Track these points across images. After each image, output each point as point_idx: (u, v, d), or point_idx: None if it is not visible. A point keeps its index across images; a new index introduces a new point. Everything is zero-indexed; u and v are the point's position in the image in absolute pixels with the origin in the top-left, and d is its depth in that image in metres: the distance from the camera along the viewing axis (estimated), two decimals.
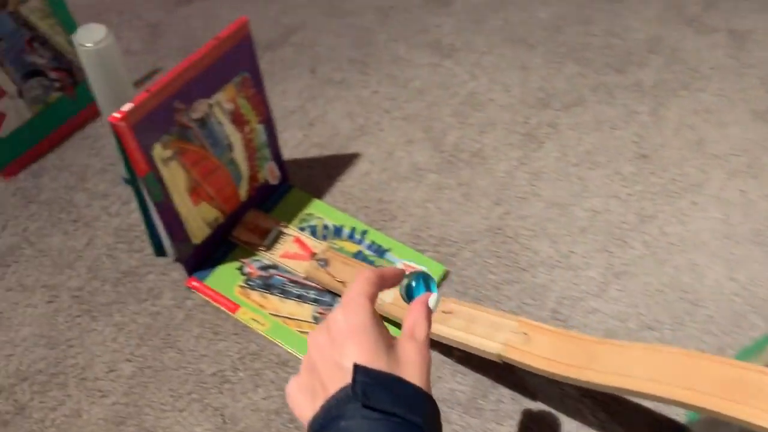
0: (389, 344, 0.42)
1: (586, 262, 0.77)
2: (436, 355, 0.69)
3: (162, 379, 0.68)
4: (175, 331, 0.72)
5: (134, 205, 0.82)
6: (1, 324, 0.73)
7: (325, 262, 0.76)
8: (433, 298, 0.49)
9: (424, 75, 0.98)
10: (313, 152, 0.89)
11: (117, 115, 0.60)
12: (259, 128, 0.77)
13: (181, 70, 0.63)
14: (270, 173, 0.82)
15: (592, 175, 0.85)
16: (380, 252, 0.78)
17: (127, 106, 0.60)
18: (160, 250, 0.78)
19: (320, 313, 0.73)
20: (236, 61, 0.69)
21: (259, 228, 0.79)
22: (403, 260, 0.77)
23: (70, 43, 0.85)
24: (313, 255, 0.76)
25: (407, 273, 0.52)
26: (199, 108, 0.68)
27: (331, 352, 0.41)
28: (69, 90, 0.87)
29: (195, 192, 0.72)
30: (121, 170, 0.83)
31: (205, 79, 0.66)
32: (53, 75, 0.85)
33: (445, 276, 0.76)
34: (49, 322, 0.73)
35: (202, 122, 0.69)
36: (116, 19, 1.04)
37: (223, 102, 0.70)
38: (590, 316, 0.72)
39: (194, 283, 0.75)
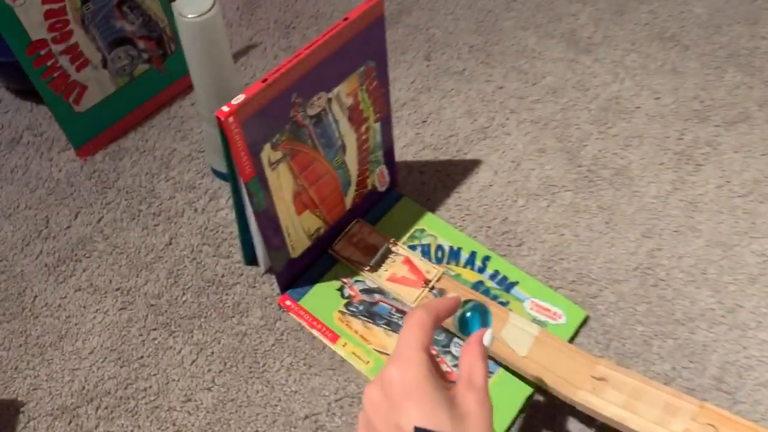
0: (449, 399, 0.40)
1: (757, 320, 0.63)
2: (573, 424, 0.57)
3: (246, 418, 0.58)
4: (264, 359, 0.62)
5: (223, 201, 0.72)
6: (68, 330, 0.64)
7: (440, 293, 0.64)
8: (488, 335, 0.46)
9: (557, 71, 0.84)
10: (426, 155, 0.77)
11: (225, 108, 0.48)
12: (376, 127, 0.65)
13: (303, 56, 0.52)
14: (379, 178, 0.70)
15: (763, 209, 0.70)
16: (506, 285, 0.66)
17: (238, 98, 0.49)
18: (250, 259, 0.68)
19: (433, 356, 0.61)
20: (364, 48, 0.57)
21: (365, 243, 0.68)
22: (534, 298, 0.65)
23: (165, 9, 0.74)
24: (425, 282, 0.64)
25: (462, 300, 0.48)
26: (317, 102, 0.56)
27: (389, 413, 0.39)
28: (158, 62, 0.77)
29: (300, 199, 0.61)
30: (211, 159, 0.72)
31: (328, 67, 0.55)
32: (141, 45, 0.75)
33: (584, 322, 0.63)
34: (121, 334, 0.63)
35: (318, 119, 0.57)
36: None
37: (342, 96, 0.58)
38: (764, 391, 0.58)
39: (288, 303, 0.65)
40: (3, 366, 0.62)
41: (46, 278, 0.67)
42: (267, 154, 0.54)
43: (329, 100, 0.57)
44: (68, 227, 0.70)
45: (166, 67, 0.78)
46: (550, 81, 0.83)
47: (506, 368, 0.60)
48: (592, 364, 0.57)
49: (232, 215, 0.72)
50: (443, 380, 0.41)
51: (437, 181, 0.74)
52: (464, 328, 0.50)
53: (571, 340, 0.63)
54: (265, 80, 0.50)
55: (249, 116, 0.50)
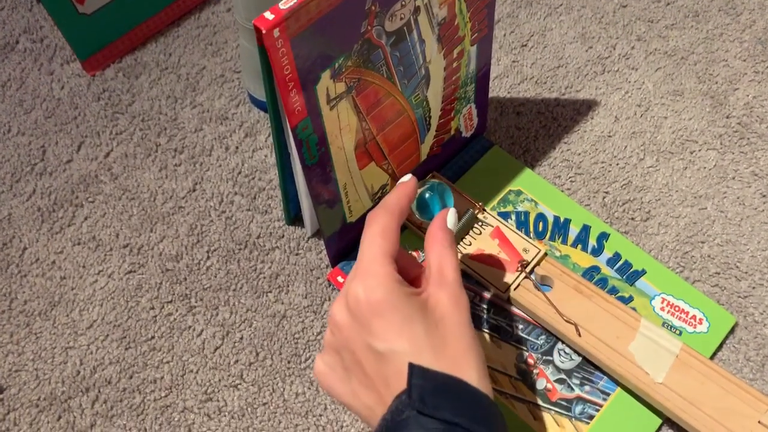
0: (421, 306, 0.36)
1: None
2: None
3: (281, 428, 0.45)
4: (307, 351, 0.48)
5: (263, 137, 0.57)
6: (63, 296, 0.50)
7: (542, 281, 0.48)
8: (451, 217, 0.41)
9: None
10: (525, 90, 0.59)
11: (269, 15, 0.32)
12: (472, 51, 0.48)
13: None
14: (466, 121, 0.53)
15: None
16: (629, 274, 0.49)
17: (287, 2, 0.32)
18: (294, 217, 0.52)
19: (530, 365, 0.46)
20: None
21: None
22: (665, 294, 0.49)
23: None
24: (521, 264, 0.49)
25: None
26: (400, 12, 0.39)
27: (359, 333, 0.36)
28: None
29: (364, 149, 0.45)
30: (249, 83, 0.56)
31: None
32: None
33: (731, 331, 0.47)
34: (127, 305, 0.50)
35: (398, 38, 0.40)
36: None
37: (434, 4, 0.41)
38: None
39: (339, 279, 0.50)
40: None
41: (38, 226, 0.53)
42: (325, 85, 0.38)
43: (416, 10, 0.40)
44: (69, 161, 0.56)
45: None
46: (689, 0, 0.64)
47: (628, 390, 0.45)
48: (759, 403, 0.41)
49: (272, 156, 0.56)
50: (414, 284, 0.39)
51: (538, 127, 0.57)
52: (424, 211, 0.46)
53: (713, 355, 0.47)
54: None
55: (303, 29, 0.34)
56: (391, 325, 0.35)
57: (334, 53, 0.37)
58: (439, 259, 0.38)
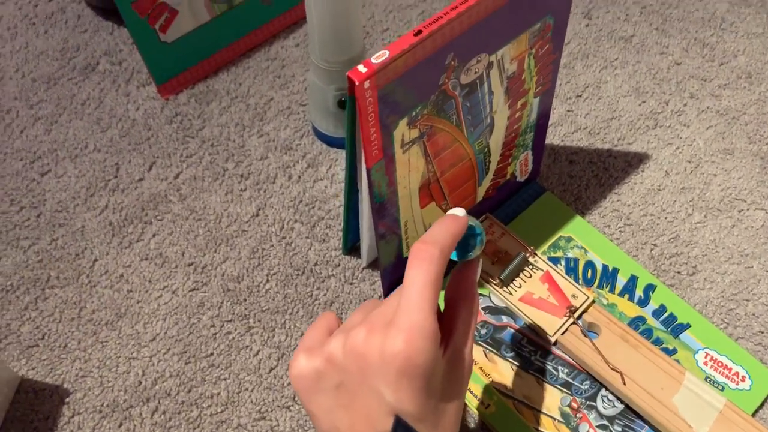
0: (443, 375, 0.35)
1: None
2: None
3: None
4: None
5: (324, 169, 0.59)
6: (129, 308, 0.53)
7: (589, 328, 0.50)
8: (478, 268, 0.39)
9: (753, 50, 0.66)
10: (578, 140, 0.61)
11: (362, 69, 0.35)
12: (534, 103, 0.50)
13: (472, 2, 0.37)
14: (521, 166, 0.55)
15: None
16: (674, 327, 0.51)
17: (379, 56, 0.35)
18: (350, 248, 0.55)
19: (573, 408, 0.48)
20: None
21: (494, 247, 0.54)
22: (708, 349, 0.50)
23: None
24: (570, 309, 0.50)
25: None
26: (475, 67, 0.41)
27: (376, 375, 0.33)
28: None
29: (427, 189, 0.47)
30: (314, 116, 0.59)
31: (498, 21, 0.40)
32: None
33: None
34: (189, 321, 0.52)
35: (470, 89, 0.43)
36: None
37: (506, 60, 0.43)
38: None
39: None
40: (51, 342, 0.52)
41: (109, 239, 0.56)
42: (401, 131, 0.40)
43: (489, 65, 0.42)
44: (140, 180, 0.59)
45: None
46: (742, 62, 0.66)
47: None
48: None
49: (332, 187, 0.59)
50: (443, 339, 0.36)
51: (590, 176, 0.59)
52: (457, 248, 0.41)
53: (755, 413, 0.48)
54: (418, 32, 0.36)
55: (389, 81, 0.36)
56: (412, 389, 0.33)
57: (413, 103, 0.39)
58: (466, 322, 0.37)
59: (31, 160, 0.60)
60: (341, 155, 0.61)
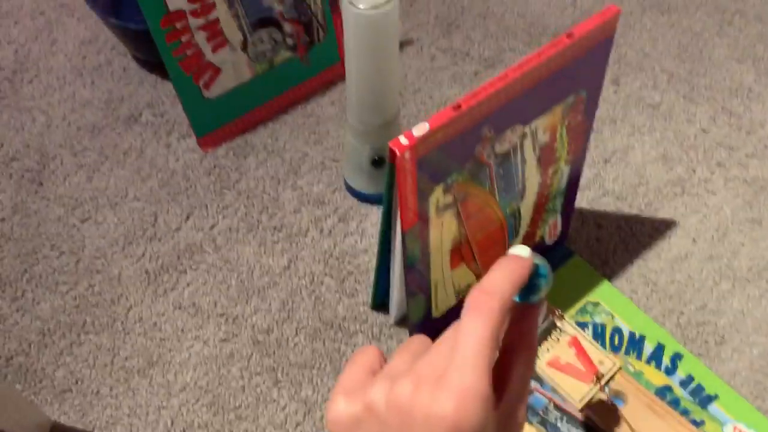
0: None
1: None
2: None
3: None
4: None
5: (354, 224, 0.60)
6: (161, 356, 0.54)
7: (616, 395, 0.50)
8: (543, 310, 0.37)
9: None
10: (606, 204, 0.62)
11: (403, 140, 0.36)
12: (564, 170, 0.51)
13: (509, 80, 0.38)
14: (550, 230, 0.56)
15: None
16: (702, 398, 0.51)
17: (420, 128, 0.36)
18: (378, 304, 0.56)
19: None
20: (580, 73, 0.43)
21: None
22: (738, 422, 0.49)
23: None
24: (597, 376, 0.50)
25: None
26: (510, 138, 0.43)
27: (409, 429, 0.30)
28: (302, 51, 0.66)
29: (458, 251, 0.48)
30: (347, 173, 0.61)
31: (533, 96, 0.41)
32: (288, 28, 0.64)
33: None
34: (219, 372, 0.53)
35: (504, 158, 0.44)
36: None
37: (540, 131, 0.45)
38: None
39: None
40: (84, 386, 0.53)
41: (144, 287, 0.58)
42: (437, 197, 0.41)
43: (523, 135, 0.44)
44: (177, 229, 0.61)
45: (310, 57, 0.67)
46: None
47: None
48: None
49: (362, 242, 0.60)
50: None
51: (618, 241, 0.59)
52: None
53: None
54: (458, 107, 0.37)
55: (428, 152, 0.38)
56: None
57: (449, 171, 0.41)
58: (523, 378, 0.34)
59: (72, 206, 0.62)
60: (371, 211, 0.62)
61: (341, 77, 0.71)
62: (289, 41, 0.65)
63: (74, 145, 0.66)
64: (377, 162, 0.58)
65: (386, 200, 0.42)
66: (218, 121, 0.65)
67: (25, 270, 0.58)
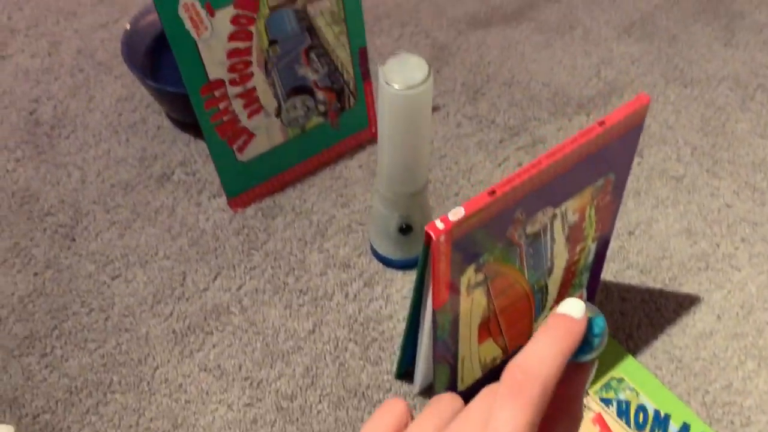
0: None
1: None
2: None
3: None
4: None
5: (379, 289, 0.61)
6: (185, 419, 0.54)
7: None
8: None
9: None
10: (630, 277, 0.62)
11: (439, 225, 0.37)
12: (591, 247, 0.52)
13: (543, 166, 0.40)
14: None
15: None
16: None
17: (456, 213, 0.37)
18: (403, 373, 0.56)
19: None
20: (611, 157, 0.45)
21: None
22: None
23: (353, 60, 0.65)
24: None
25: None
26: (541, 219, 0.44)
27: None
28: (333, 116, 0.68)
29: (486, 326, 0.48)
30: (373, 238, 0.62)
31: (564, 180, 0.42)
32: (321, 96, 0.66)
33: None
34: None
35: (534, 238, 0.45)
36: (398, 30, 0.84)
37: (569, 212, 0.46)
38: None
39: None
40: None
41: (171, 347, 0.58)
42: (468, 276, 0.42)
43: (554, 216, 0.45)
44: (205, 289, 0.62)
45: (340, 122, 0.69)
46: None
47: None
48: None
49: (387, 308, 0.60)
50: None
51: (642, 315, 0.60)
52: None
53: None
54: (492, 193, 0.38)
55: (462, 235, 0.39)
56: None
57: (481, 252, 0.41)
58: None
59: (104, 263, 0.63)
60: (397, 276, 0.63)
61: (369, 141, 0.73)
62: (321, 108, 0.67)
63: (107, 202, 0.68)
64: (404, 229, 0.59)
65: (418, 277, 0.43)
66: (249, 183, 0.67)
67: (55, 326, 0.59)
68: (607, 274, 0.62)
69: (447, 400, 0.31)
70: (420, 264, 0.41)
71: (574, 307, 0.29)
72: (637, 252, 0.64)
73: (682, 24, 0.84)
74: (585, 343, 0.30)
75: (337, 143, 0.70)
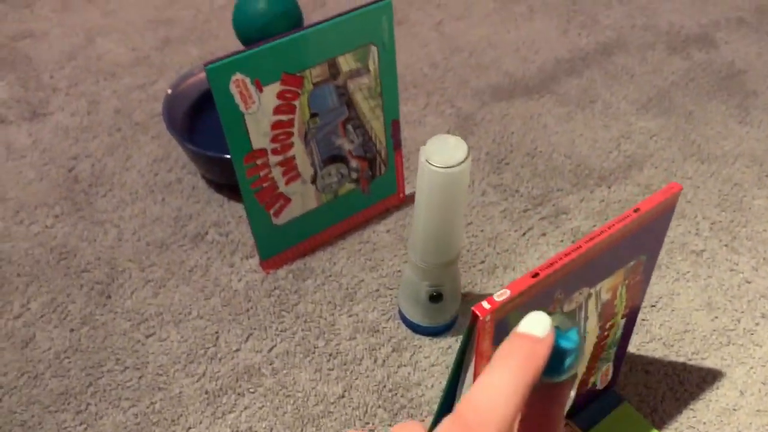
0: None
1: None
2: None
3: None
4: None
5: (407, 355, 0.62)
6: None
7: None
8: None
9: None
10: (653, 350, 0.64)
11: (486, 305, 0.39)
12: (620, 323, 0.53)
13: (583, 250, 0.42)
14: (602, 376, 0.58)
15: None
16: None
17: (501, 295, 0.39)
18: None
19: None
20: (644, 240, 0.47)
21: None
22: None
23: (387, 131, 0.68)
24: None
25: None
26: (577, 298, 0.46)
27: None
28: (364, 183, 0.70)
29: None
30: (402, 303, 0.63)
31: (600, 262, 0.44)
32: (354, 164, 0.68)
33: None
34: None
35: (570, 317, 0.47)
36: (424, 99, 0.88)
37: (603, 291, 0.48)
38: None
39: None
40: None
41: (203, 408, 0.59)
42: None
43: (589, 296, 0.47)
44: (237, 350, 0.63)
45: (371, 188, 0.71)
46: None
47: None
48: None
49: (415, 375, 0.62)
50: None
51: (666, 389, 0.61)
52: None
53: None
54: (536, 275, 0.40)
55: (505, 314, 0.40)
56: None
57: None
58: None
59: (138, 321, 0.65)
60: (425, 342, 0.64)
61: (397, 206, 0.75)
62: (354, 175, 0.69)
63: (143, 260, 0.70)
64: (434, 298, 0.61)
65: (459, 353, 0.44)
66: (282, 246, 0.69)
67: (90, 383, 0.60)
68: (631, 346, 0.64)
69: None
70: (463, 341, 0.43)
71: (536, 324, 0.25)
72: (659, 325, 0.65)
73: (697, 101, 0.88)
74: (556, 365, 0.27)
75: (367, 208, 0.73)
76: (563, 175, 0.79)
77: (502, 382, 0.24)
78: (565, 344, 0.27)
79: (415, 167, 0.79)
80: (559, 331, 0.28)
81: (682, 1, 1.04)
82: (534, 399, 0.27)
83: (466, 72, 0.92)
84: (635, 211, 0.44)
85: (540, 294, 0.42)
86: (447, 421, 0.24)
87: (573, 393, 0.29)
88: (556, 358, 0.27)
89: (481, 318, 0.39)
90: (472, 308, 0.39)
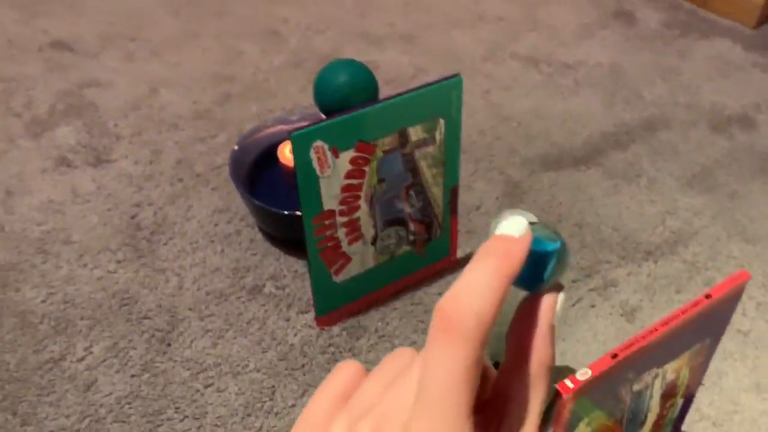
0: None
1: None
2: None
3: None
4: None
5: None
6: None
7: None
8: (560, 303, 0.27)
9: None
10: (703, 429, 0.64)
11: (569, 384, 0.41)
12: (679, 402, 0.55)
13: (658, 334, 0.43)
14: None
15: None
16: None
17: (583, 374, 0.41)
18: None
19: None
20: (711, 325, 0.48)
21: None
22: None
23: (445, 197, 0.71)
24: None
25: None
26: (646, 379, 0.47)
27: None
28: (420, 245, 0.73)
29: None
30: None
31: (670, 345, 0.46)
32: (412, 227, 0.71)
33: None
34: None
35: (638, 395, 0.48)
36: (472, 166, 0.91)
37: (669, 371, 0.49)
38: None
39: None
40: None
41: None
42: (581, 430, 0.45)
43: (656, 376, 0.48)
44: (293, 406, 0.64)
45: (425, 250, 0.73)
46: None
47: None
48: None
49: None
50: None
51: None
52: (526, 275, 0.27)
53: None
54: (615, 356, 0.42)
55: (584, 393, 0.42)
56: None
57: (593, 407, 0.44)
58: (526, 392, 0.27)
59: (197, 371, 0.67)
60: None
61: (449, 269, 0.77)
62: (411, 237, 0.71)
63: (202, 310, 0.72)
64: (492, 366, 0.62)
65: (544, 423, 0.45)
66: (338, 302, 0.70)
67: (150, 430, 0.62)
68: (683, 425, 0.64)
69: (399, 356, 0.30)
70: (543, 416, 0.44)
71: (513, 226, 0.26)
72: (708, 404, 0.66)
73: (741, 181, 0.90)
74: (537, 271, 0.27)
75: (420, 269, 0.75)
76: (611, 247, 0.81)
77: (479, 278, 0.25)
78: (547, 248, 0.27)
79: (466, 230, 0.81)
80: (540, 239, 0.28)
81: (723, 81, 1.08)
82: (523, 313, 0.28)
83: (514, 141, 0.95)
84: (707, 297, 0.46)
85: (616, 374, 0.43)
86: (430, 324, 0.26)
87: (560, 305, 0.28)
88: (540, 265, 0.27)
89: (564, 396, 0.40)
90: (556, 386, 0.41)
